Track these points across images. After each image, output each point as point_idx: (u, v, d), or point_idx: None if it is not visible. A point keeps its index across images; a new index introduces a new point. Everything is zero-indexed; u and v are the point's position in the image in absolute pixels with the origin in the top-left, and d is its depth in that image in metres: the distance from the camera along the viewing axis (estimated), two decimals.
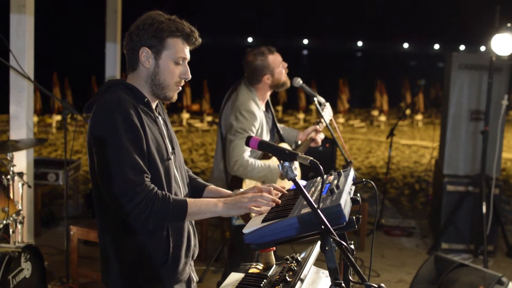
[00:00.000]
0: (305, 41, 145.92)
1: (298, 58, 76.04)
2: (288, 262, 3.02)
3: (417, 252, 7.42)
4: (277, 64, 5.07)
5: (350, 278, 2.43)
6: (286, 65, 5.15)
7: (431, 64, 64.04)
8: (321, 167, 2.48)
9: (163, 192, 2.75)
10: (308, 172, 6.75)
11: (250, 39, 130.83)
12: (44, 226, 7.57)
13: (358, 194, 2.87)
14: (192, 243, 3.03)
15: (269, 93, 5.19)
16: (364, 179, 3.09)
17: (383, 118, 20.21)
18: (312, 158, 2.53)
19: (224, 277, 5.00)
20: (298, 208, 2.69)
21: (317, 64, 62.55)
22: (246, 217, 4.66)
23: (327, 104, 5.25)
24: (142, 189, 2.67)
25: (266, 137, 5.10)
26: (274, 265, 3.07)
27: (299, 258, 3.02)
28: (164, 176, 2.85)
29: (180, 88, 2.98)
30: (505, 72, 7.25)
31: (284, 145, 5.19)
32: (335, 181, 2.88)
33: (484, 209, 6.76)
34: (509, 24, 6.62)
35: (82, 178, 8.65)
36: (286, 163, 2.53)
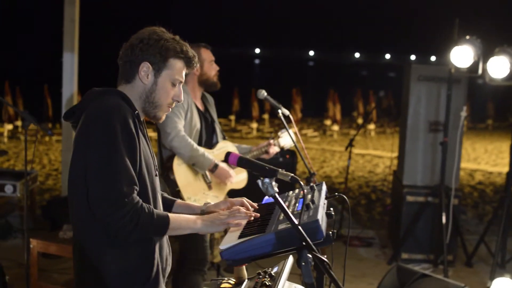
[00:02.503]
0: (257, 50, 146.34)
1: (250, 67, 76.19)
2: (261, 276, 2.99)
3: (377, 262, 7.45)
4: (207, 59, 5.14)
5: None
6: (217, 68, 5.22)
7: (382, 74, 64.85)
8: (301, 183, 2.47)
9: (148, 206, 2.71)
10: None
11: None
12: (1, 238, 7.41)
13: (332, 209, 2.86)
14: (169, 262, 2.99)
15: (199, 91, 5.23)
16: (336, 193, 3.09)
17: (336, 127, 20.36)
18: (292, 174, 2.51)
19: (175, 285, 4.98)
20: (275, 223, 2.67)
21: (269, 73, 62.75)
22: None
23: (290, 131, 5.26)
24: (130, 201, 2.62)
25: (197, 130, 5.08)
26: (246, 280, 3.04)
27: (272, 273, 3.00)
28: (151, 190, 2.81)
29: (170, 109, 2.96)
30: (464, 83, 7.34)
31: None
32: (309, 196, 2.87)
33: (444, 219, 6.82)
34: (467, 37, 6.71)
35: (37, 189, 8.49)
36: (267, 180, 2.50)
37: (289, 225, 2.51)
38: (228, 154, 2.66)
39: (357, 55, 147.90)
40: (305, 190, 2.78)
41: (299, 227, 2.37)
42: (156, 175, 2.89)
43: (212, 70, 5.17)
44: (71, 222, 2.87)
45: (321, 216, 2.59)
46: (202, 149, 4.91)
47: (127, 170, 2.64)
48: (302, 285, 2.81)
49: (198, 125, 5.08)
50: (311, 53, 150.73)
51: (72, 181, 2.76)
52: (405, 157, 7.58)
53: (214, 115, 5.37)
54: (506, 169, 14.81)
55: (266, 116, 21.22)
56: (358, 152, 17.01)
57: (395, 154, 8.66)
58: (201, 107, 5.23)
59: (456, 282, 5.48)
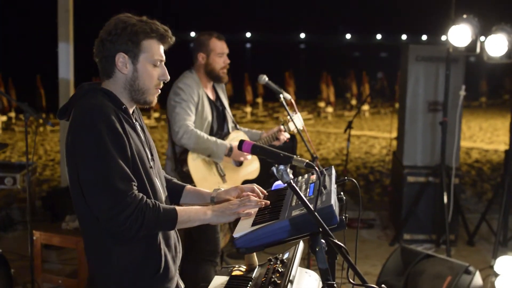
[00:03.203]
0: (248, 34, 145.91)
1: (242, 52, 75.97)
2: (272, 263, 2.98)
3: (379, 243, 7.46)
4: (216, 50, 5.02)
5: (350, 280, 2.40)
6: (227, 61, 5.10)
7: (374, 54, 64.79)
8: (317, 169, 2.45)
9: (153, 201, 2.68)
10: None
11: (192, 34, 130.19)
12: (1, 231, 7.39)
13: (342, 193, 2.84)
14: (178, 250, 2.97)
15: (209, 82, 5.14)
16: (346, 177, 3.08)
17: (330, 109, 20.35)
18: (307, 160, 2.49)
19: (187, 275, 4.97)
20: (288, 209, 2.66)
21: (261, 57, 62.56)
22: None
23: (298, 114, 5.20)
24: (132, 200, 2.60)
25: (208, 122, 5.03)
26: (257, 267, 3.03)
27: (284, 259, 2.99)
28: (149, 184, 2.77)
29: (159, 91, 2.90)
30: (462, 63, 7.34)
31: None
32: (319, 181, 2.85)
33: (445, 199, 6.83)
34: (465, 16, 6.69)
35: (35, 180, 8.46)
36: (281, 167, 2.48)
37: (303, 211, 2.50)
38: (241, 142, 2.63)
39: (348, 36, 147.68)
40: (320, 176, 2.77)
41: (315, 214, 2.35)
42: (151, 167, 2.83)
43: (219, 62, 5.03)
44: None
45: (334, 201, 2.58)
46: (213, 138, 4.85)
47: (120, 169, 2.61)
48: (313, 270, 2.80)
49: (209, 117, 5.03)
50: (302, 35, 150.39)
51: (71, 183, 2.74)
52: (404, 138, 7.58)
53: (225, 101, 5.29)
54: (501, 146, 14.94)
55: (259, 100, 21.16)
56: (353, 133, 16.96)
57: (391, 134, 8.65)
58: (212, 96, 5.15)
59: (460, 261, 5.50)
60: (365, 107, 20.82)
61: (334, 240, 2.35)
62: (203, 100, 4.95)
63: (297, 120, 5.10)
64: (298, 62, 54.25)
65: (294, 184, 2.47)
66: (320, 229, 2.36)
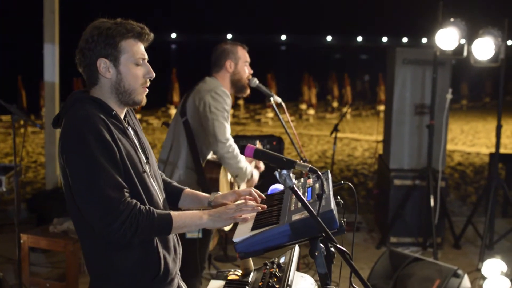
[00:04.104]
0: (229, 36, 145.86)
1: None
2: (268, 267, 2.97)
3: (365, 246, 7.47)
4: (243, 58, 4.95)
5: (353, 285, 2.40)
6: (251, 71, 5.03)
7: (355, 57, 65.00)
8: (320, 172, 2.44)
9: (147, 207, 2.67)
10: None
11: (173, 35, 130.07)
12: None
13: (339, 197, 2.83)
14: (178, 251, 2.96)
15: (231, 91, 5.02)
16: (342, 181, 3.07)
17: (311, 111, 20.38)
18: (311, 165, 2.49)
19: None
20: (287, 214, 2.64)
21: None
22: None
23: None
24: (125, 206, 2.59)
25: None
26: (253, 271, 3.02)
27: (281, 263, 2.98)
28: (143, 189, 2.75)
29: (147, 89, 2.88)
30: (448, 66, 7.37)
31: None
32: (316, 185, 2.85)
33: (432, 202, 6.85)
34: (452, 19, 6.72)
35: (19, 183, 8.39)
36: (284, 171, 2.47)
37: (303, 216, 2.49)
38: (243, 146, 2.62)
39: (329, 38, 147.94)
40: (320, 180, 2.77)
41: (318, 218, 2.35)
42: (144, 171, 2.81)
43: (245, 71, 4.97)
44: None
45: (333, 205, 2.57)
46: (243, 161, 4.82)
47: (110, 177, 2.60)
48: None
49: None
50: (283, 37, 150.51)
51: (65, 190, 2.75)
52: (391, 141, 7.59)
53: None
54: (483, 149, 15.05)
55: (241, 102, 21.16)
56: (334, 135, 17.00)
57: (375, 137, 8.66)
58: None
59: (448, 264, 5.52)
60: (346, 109, 20.87)
61: (337, 245, 2.34)
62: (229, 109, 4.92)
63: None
64: (279, 64, 54.24)
65: (297, 189, 2.46)
66: (323, 234, 2.35)
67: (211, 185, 4.76)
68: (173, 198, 3.11)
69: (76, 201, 2.65)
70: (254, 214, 2.80)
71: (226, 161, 4.73)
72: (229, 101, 4.84)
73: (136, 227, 2.60)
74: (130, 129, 2.88)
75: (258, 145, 5.39)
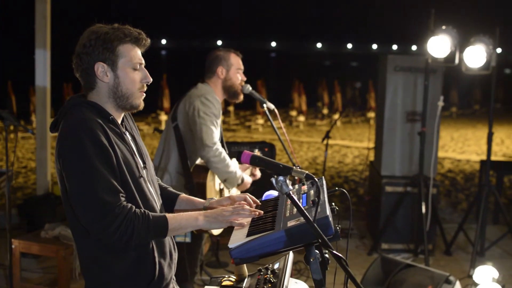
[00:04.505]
0: (219, 42, 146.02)
1: None
2: (262, 273, 2.97)
3: (357, 253, 7.48)
4: (235, 65, 4.97)
5: None
6: (244, 78, 5.05)
7: (345, 64, 65.12)
8: (316, 179, 2.45)
9: (142, 210, 2.68)
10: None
11: (164, 41, 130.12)
12: None
13: (333, 203, 2.84)
14: (174, 257, 2.95)
15: (222, 97, 5.04)
16: (336, 188, 3.08)
17: (302, 118, 20.39)
18: (307, 172, 2.49)
19: None
20: (282, 220, 2.65)
21: None
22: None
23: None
24: (121, 210, 2.60)
25: (220, 138, 4.97)
26: (247, 277, 3.02)
27: (275, 270, 2.98)
28: (138, 194, 2.76)
29: (144, 94, 2.89)
30: (440, 73, 7.39)
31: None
32: (311, 191, 2.86)
33: (423, 209, 6.87)
34: (444, 27, 6.75)
35: (10, 188, 8.35)
36: (281, 177, 2.48)
37: (298, 222, 2.50)
38: (240, 153, 2.63)
39: (319, 45, 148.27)
40: (314, 186, 2.77)
41: (315, 225, 2.35)
42: (141, 176, 2.81)
43: (238, 77, 4.97)
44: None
45: (329, 211, 2.58)
46: (232, 165, 4.81)
47: (106, 181, 2.61)
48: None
49: (220, 133, 5.01)
50: (273, 44, 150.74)
51: (62, 195, 2.76)
52: (383, 148, 7.61)
53: None
54: (473, 156, 15.09)
55: (231, 108, 21.15)
56: (325, 142, 17.02)
57: (366, 144, 8.68)
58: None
59: (440, 271, 5.53)
60: (337, 116, 20.89)
61: (334, 252, 2.35)
62: (220, 116, 4.92)
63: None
64: (269, 71, 54.30)
65: (293, 196, 2.46)
66: (319, 240, 2.36)
67: (198, 190, 4.76)
68: (169, 203, 3.11)
69: (72, 204, 2.66)
70: (250, 219, 2.81)
71: (213, 165, 4.73)
72: (218, 105, 4.86)
73: (132, 231, 2.60)
74: (127, 133, 2.88)
75: (257, 153, 5.38)
